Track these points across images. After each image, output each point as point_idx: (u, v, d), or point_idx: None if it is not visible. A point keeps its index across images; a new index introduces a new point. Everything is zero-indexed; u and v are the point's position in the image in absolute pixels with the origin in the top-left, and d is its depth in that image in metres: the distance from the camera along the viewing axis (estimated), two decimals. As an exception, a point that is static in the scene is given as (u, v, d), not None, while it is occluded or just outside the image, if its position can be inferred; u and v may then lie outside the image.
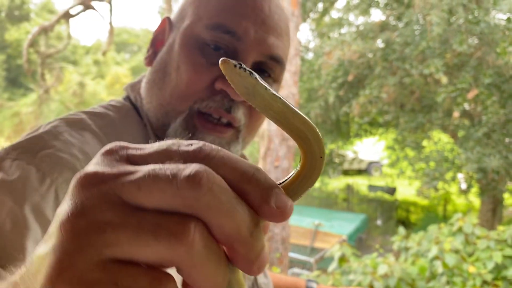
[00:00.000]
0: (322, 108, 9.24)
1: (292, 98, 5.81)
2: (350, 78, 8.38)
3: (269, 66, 0.87)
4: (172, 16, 0.94)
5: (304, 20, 10.60)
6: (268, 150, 5.80)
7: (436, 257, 4.50)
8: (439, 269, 4.42)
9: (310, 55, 10.39)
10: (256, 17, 0.84)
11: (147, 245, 0.29)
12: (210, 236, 0.31)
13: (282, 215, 0.32)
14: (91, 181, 0.31)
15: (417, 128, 8.44)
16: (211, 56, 0.83)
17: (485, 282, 4.34)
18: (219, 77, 0.83)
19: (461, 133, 8.00)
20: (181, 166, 0.30)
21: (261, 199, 0.32)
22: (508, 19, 7.00)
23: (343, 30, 9.33)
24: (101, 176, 0.31)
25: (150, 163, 0.32)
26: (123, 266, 0.29)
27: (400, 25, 8.41)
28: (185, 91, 0.84)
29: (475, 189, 8.76)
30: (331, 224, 9.01)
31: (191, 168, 0.30)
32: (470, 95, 6.98)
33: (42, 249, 0.31)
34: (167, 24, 0.93)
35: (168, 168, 0.30)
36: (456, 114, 7.40)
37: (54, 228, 0.31)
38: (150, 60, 0.94)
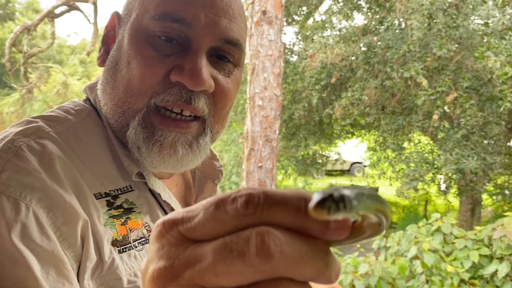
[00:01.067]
0: (306, 110, 9.31)
1: (276, 99, 5.86)
2: (333, 80, 8.46)
3: (226, 51, 0.83)
4: (121, 10, 0.89)
5: (288, 23, 10.68)
6: (252, 151, 5.84)
7: (415, 257, 4.58)
8: (418, 268, 4.49)
9: (294, 58, 10.46)
10: (205, 1, 0.79)
11: None
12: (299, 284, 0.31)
13: (344, 231, 0.31)
14: (167, 277, 0.31)
15: (398, 130, 8.58)
16: (163, 48, 0.78)
17: (462, 281, 4.42)
18: (174, 68, 0.78)
19: (440, 135, 8.15)
20: (243, 236, 0.30)
21: (322, 229, 0.31)
22: (486, 24, 7.17)
23: (326, 33, 9.42)
24: (174, 269, 0.31)
25: (206, 234, 0.31)
26: None
27: (382, 29, 8.54)
28: (139, 87, 0.78)
29: (454, 190, 8.92)
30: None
31: (254, 239, 0.29)
32: (449, 98, 7.13)
33: None
34: (116, 20, 0.88)
35: (232, 245, 0.30)
36: (435, 116, 7.54)
37: None
38: (102, 59, 0.88)
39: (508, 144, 9.26)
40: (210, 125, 0.85)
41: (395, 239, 5.13)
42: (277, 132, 5.89)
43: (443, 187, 8.78)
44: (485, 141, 7.93)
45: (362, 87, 8.17)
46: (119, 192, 0.79)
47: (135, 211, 0.79)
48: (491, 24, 6.99)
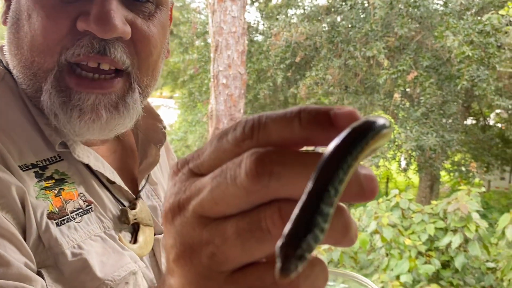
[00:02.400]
0: (271, 89, 9.30)
1: (240, 77, 5.81)
2: (297, 59, 8.47)
3: None
4: None
5: (252, 1, 10.55)
6: (217, 130, 5.80)
7: (375, 231, 4.71)
8: (378, 242, 4.62)
9: (259, 37, 10.38)
10: None
11: (253, 249, 0.30)
12: None
13: (352, 120, 0.30)
14: (174, 211, 0.33)
15: (360, 109, 8.70)
16: None
17: (420, 253, 4.58)
18: (80, 15, 0.68)
19: (401, 114, 8.34)
20: (236, 161, 0.30)
21: (324, 136, 0.30)
22: (445, 4, 7.31)
23: (290, 12, 9.37)
24: (180, 204, 0.32)
25: (212, 166, 0.32)
26: (246, 270, 0.32)
27: (345, 8, 8.56)
28: (44, 43, 0.69)
29: (414, 167, 9.20)
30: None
31: (244, 163, 0.29)
32: (410, 77, 7.28)
33: (172, 282, 0.34)
34: None
35: (226, 171, 0.30)
36: (396, 95, 7.69)
37: (170, 265, 0.34)
38: (5, 17, 0.77)
39: (464, 122, 9.58)
40: (136, 78, 0.75)
41: (356, 215, 5.25)
42: (242, 111, 5.86)
43: (403, 164, 9.03)
44: (443, 119, 8.17)
45: (326, 66, 8.21)
46: (47, 162, 0.72)
47: (67, 182, 0.73)
48: (450, 4, 7.13)
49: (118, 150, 0.89)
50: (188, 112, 10.96)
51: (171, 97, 12.89)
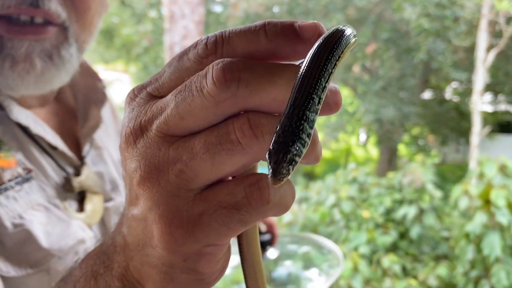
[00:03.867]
0: (230, 63, 9.14)
1: (196, 49, 5.61)
2: (257, 31, 8.31)
3: None
4: None
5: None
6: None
7: (334, 205, 4.75)
8: (337, 215, 4.67)
9: (216, 8, 10.11)
10: None
11: (223, 163, 0.29)
12: (270, 115, 0.30)
13: (316, 32, 0.30)
14: (136, 135, 0.31)
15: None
16: None
17: (377, 224, 4.67)
18: None
19: (360, 88, 8.38)
20: (201, 73, 0.29)
21: (289, 37, 0.30)
22: (404, -24, 7.28)
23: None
24: (142, 125, 0.31)
25: (173, 87, 0.31)
26: (216, 187, 0.31)
27: (305, -22, 8.42)
28: None
29: (373, 140, 9.34)
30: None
31: (210, 72, 0.28)
32: (369, 49, 7.27)
33: (135, 212, 0.32)
34: None
35: (191, 84, 0.29)
36: (356, 68, 7.69)
37: (134, 191, 0.32)
38: None
39: (422, 95, 9.75)
40: (74, 33, 0.71)
41: (315, 189, 5.28)
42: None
43: (363, 138, 9.14)
44: (402, 93, 8.27)
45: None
46: None
47: (3, 149, 0.68)
48: (409, -24, 7.10)
49: (59, 112, 0.84)
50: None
51: (125, 71, 12.48)
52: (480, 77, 6.10)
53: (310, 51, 0.29)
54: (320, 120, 9.48)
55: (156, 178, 0.30)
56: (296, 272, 1.12)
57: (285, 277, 1.12)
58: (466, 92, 9.52)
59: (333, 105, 0.31)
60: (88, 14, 0.73)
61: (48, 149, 0.74)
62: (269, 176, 0.26)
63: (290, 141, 0.26)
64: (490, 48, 6.24)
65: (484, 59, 6.10)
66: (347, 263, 3.75)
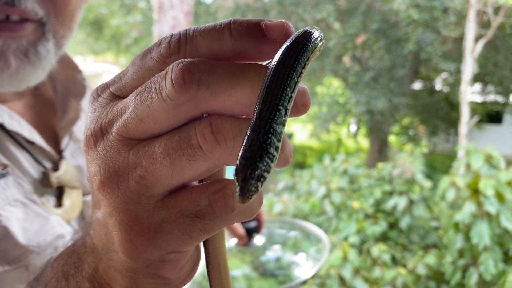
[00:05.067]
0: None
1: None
2: (246, 22, 8.26)
3: None
4: None
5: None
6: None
7: (324, 196, 4.77)
8: (328, 206, 4.69)
9: (207, -1, 10.04)
10: None
11: (184, 168, 0.28)
12: (233, 119, 0.29)
13: (283, 32, 0.29)
14: (97, 137, 0.30)
15: (311, 74, 8.68)
16: None
17: (367, 215, 4.70)
18: None
19: (351, 78, 8.38)
20: (161, 74, 0.28)
21: (255, 37, 0.29)
22: (394, -34, 7.26)
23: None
24: (102, 127, 0.30)
25: (136, 87, 0.30)
26: (178, 194, 0.30)
27: (295, -32, 8.37)
28: None
29: (363, 131, 9.37)
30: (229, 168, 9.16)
31: (170, 73, 0.27)
32: (359, 40, 7.26)
33: (98, 216, 0.32)
34: None
35: (150, 86, 0.28)
36: (346, 59, 7.69)
37: (95, 195, 0.31)
38: None
39: (412, 86, 9.79)
40: (52, 28, 0.69)
41: (305, 179, 5.29)
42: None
43: (353, 129, 9.17)
44: (392, 84, 8.29)
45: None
46: None
47: None
48: (398, -34, 7.09)
49: (36, 105, 0.81)
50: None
51: (115, 63, 12.35)
52: (469, 67, 6.14)
53: (275, 57, 0.28)
54: (311, 111, 9.52)
55: (115, 184, 0.29)
56: (284, 257, 1.13)
57: (273, 261, 1.13)
58: (455, 83, 9.57)
59: (300, 106, 0.30)
60: (68, 9, 0.71)
61: (24, 144, 0.72)
62: (237, 193, 0.25)
63: (258, 156, 0.25)
64: (478, 38, 6.27)
65: (472, 49, 6.13)
66: (337, 253, 3.78)
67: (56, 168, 0.75)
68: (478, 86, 10.05)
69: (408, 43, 6.75)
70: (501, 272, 3.57)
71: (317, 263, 1.00)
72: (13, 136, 0.70)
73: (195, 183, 0.32)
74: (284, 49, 0.28)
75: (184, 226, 0.29)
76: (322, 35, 0.30)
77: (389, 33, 7.77)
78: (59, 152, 0.78)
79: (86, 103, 0.88)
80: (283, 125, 0.26)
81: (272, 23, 0.29)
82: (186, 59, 0.28)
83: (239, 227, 1.07)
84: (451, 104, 10.17)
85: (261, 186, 0.25)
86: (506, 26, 6.98)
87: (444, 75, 9.90)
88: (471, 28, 6.11)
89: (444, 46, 7.80)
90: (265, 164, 0.25)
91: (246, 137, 0.25)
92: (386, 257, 4.01)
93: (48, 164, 0.74)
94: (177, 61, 0.28)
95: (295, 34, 0.29)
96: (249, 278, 1.47)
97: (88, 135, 0.31)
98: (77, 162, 0.81)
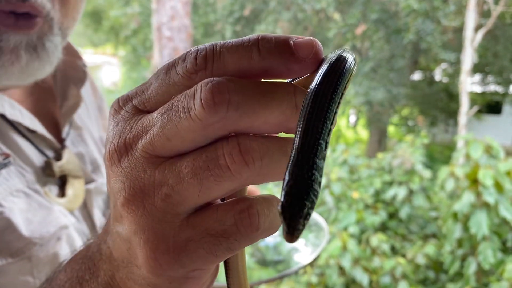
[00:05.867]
0: (220, 45, 9.03)
1: (185, 30, 5.53)
2: (246, 12, 8.21)
3: None
4: None
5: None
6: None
7: (324, 186, 4.77)
8: (327, 197, 4.70)
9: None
10: None
11: (211, 188, 0.28)
12: (261, 138, 0.28)
13: (313, 60, 0.29)
14: (120, 153, 0.30)
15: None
16: None
17: (367, 205, 4.71)
18: None
19: (350, 69, 8.35)
20: (189, 92, 0.28)
21: (285, 64, 0.28)
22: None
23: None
24: (127, 143, 0.29)
25: (160, 102, 0.30)
26: (203, 213, 0.29)
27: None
28: None
29: (363, 122, 9.36)
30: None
31: (199, 93, 0.27)
32: (359, 30, 7.23)
33: (120, 230, 0.31)
34: None
35: (178, 104, 0.28)
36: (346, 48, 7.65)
37: (118, 210, 0.30)
38: None
39: (411, 77, 9.76)
40: (58, 22, 0.68)
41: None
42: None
43: (353, 120, 9.16)
44: (391, 74, 8.27)
45: (275, 19, 8.02)
46: None
47: None
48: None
49: (35, 92, 0.79)
50: (133, 69, 10.54)
51: (114, 55, 12.29)
52: (468, 57, 6.12)
53: (312, 84, 0.27)
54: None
55: (141, 202, 0.29)
56: (283, 243, 1.14)
57: (272, 247, 1.14)
58: (455, 73, 9.55)
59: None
60: (73, 1, 0.70)
61: (26, 133, 0.71)
62: (285, 232, 0.24)
63: (304, 193, 0.24)
64: (478, 28, 6.25)
65: (472, 39, 6.11)
66: (337, 243, 3.80)
67: (58, 157, 0.74)
68: (477, 77, 10.03)
69: (408, 33, 6.72)
70: (500, 261, 3.60)
71: (316, 248, 1.01)
72: (15, 126, 0.69)
73: (219, 200, 0.32)
74: (322, 77, 0.27)
75: (209, 245, 0.29)
76: (355, 59, 0.30)
77: (388, 23, 7.73)
78: (61, 140, 0.77)
79: (85, 92, 0.87)
80: (324, 159, 0.26)
81: (301, 41, 0.29)
82: (215, 78, 0.27)
83: None
84: (451, 95, 10.15)
85: (307, 222, 0.25)
86: (506, 16, 6.95)
87: (443, 65, 9.88)
88: (471, 18, 6.08)
89: (444, 36, 7.76)
90: (311, 201, 0.25)
91: (288, 171, 0.25)
92: (386, 247, 4.04)
93: (50, 153, 0.73)
94: (205, 80, 0.27)
95: (329, 58, 0.28)
96: (248, 268, 1.49)
97: (111, 150, 0.30)
98: (78, 150, 0.80)
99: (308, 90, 0.27)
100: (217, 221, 0.29)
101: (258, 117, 0.28)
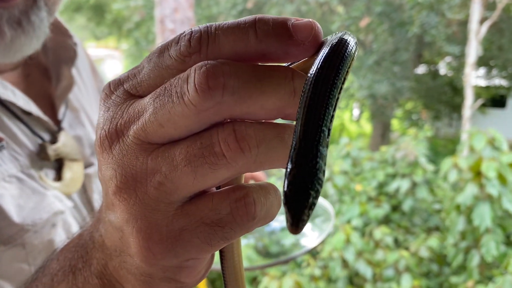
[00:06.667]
0: (223, 38, 9.03)
1: (188, 22, 5.52)
2: (249, 5, 8.19)
3: None
4: None
5: None
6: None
7: (327, 179, 4.77)
8: (331, 189, 4.70)
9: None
10: None
11: (206, 176, 0.27)
12: (256, 125, 0.27)
13: (311, 34, 0.27)
14: (112, 139, 0.29)
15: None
16: None
17: (370, 198, 4.71)
18: None
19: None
20: (182, 76, 0.27)
21: (283, 48, 0.27)
22: None
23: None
24: (118, 129, 0.28)
25: (152, 86, 0.29)
26: (198, 201, 0.29)
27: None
28: None
29: (366, 115, 9.34)
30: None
31: (192, 77, 0.26)
32: (363, 23, 7.20)
33: (112, 219, 0.30)
34: None
35: (171, 89, 0.27)
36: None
37: (110, 198, 0.29)
38: None
39: (415, 70, 9.72)
40: None
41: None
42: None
43: (356, 113, 9.14)
44: (395, 67, 8.24)
45: (279, 12, 8.00)
46: None
47: None
48: None
49: (32, 73, 0.77)
50: (135, 62, 10.50)
51: (117, 48, 12.28)
52: (473, 50, 6.09)
53: (312, 69, 0.26)
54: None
55: (133, 190, 0.28)
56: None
57: (279, 231, 1.14)
58: (459, 67, 9.50)
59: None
60: None
61: (20, 115, 0.69)
62: (289, 223, 0.23)
63: (309, 182, 0.23)
64: (483, 20, 6.21)
65: (477, 32, 6.07)
66: (340, 235, 3.80)
67: (54, 140, 0.72)
68: (482, 70, 9.98)
69: (412, 26, 6.68)
70: (503, 254, 3.59)
71: (322, 233, 1.01)
72: (8, 107, 0.67)
73: (214, 188, 0.31)
74: (322, 61, 0.26)
75: (204, 234, 0.28)
76: (357, 43, 0.28)
77: (393, 16, 7.69)
78: (57, 122, 0.75)
79: (85, 73, 0.86)
80: (327, 147, 0.25)
81: (299, 23, 0.27)
82: (209, 62, 0.26)
83: None
84: (455, 89, 10.11)
85: (312, 213, 0.24)
86: (511, 8, 6.90)
87: (448, 59, 9.83)
88: (476, 10, 6.04)
89: (449, 29, 7.72)
90: (315, 190, 0.24)
91: (290, 160, 0.24)
92: (389, 240, 4.04)
93: (46, 136, 0.72)
94: (199, 64, 0.26)
95: (329, 42, 0.27)
96: (251, 260, 1.49)
97: (102, 136, 0.29)
98: (75, 132, 0.78)
99: (308, 74, 0.26)
100: (212, 210, 0.28)
101: (255, 103, 0.27)
